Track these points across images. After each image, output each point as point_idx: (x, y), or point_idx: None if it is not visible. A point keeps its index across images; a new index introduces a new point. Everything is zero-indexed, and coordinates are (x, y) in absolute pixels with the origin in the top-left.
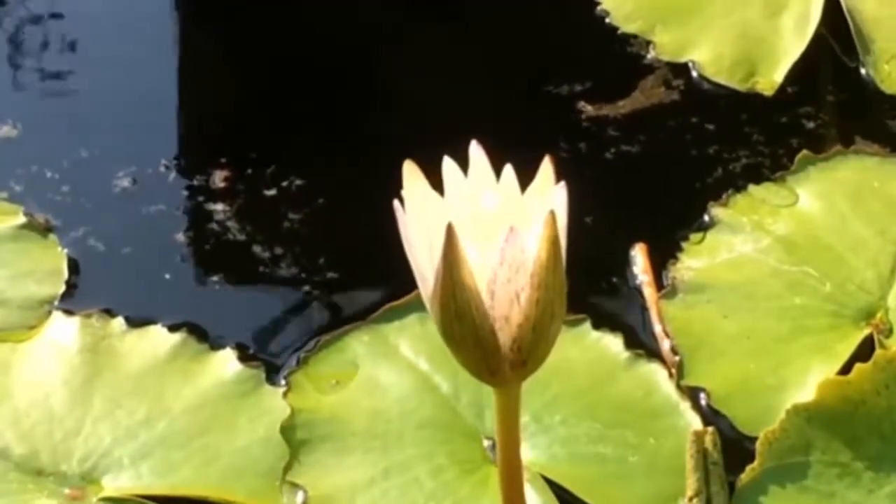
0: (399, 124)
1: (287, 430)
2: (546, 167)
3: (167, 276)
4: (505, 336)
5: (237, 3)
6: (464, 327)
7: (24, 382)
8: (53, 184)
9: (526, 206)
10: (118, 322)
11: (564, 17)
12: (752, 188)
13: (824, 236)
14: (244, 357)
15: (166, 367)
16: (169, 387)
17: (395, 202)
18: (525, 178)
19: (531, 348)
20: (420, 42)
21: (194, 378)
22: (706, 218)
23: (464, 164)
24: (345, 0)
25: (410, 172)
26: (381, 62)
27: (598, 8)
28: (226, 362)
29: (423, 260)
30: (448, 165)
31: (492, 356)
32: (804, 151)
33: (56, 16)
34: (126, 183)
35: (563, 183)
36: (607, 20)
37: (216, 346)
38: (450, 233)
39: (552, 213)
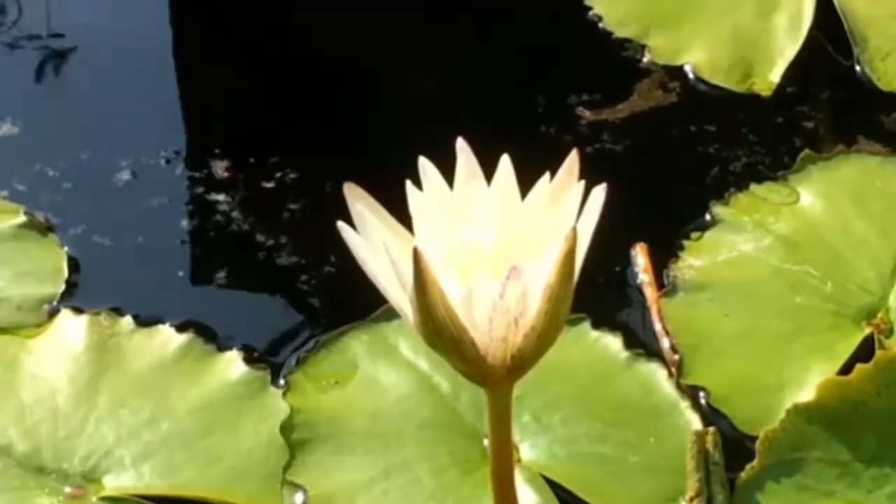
0: (396, 125)
1: (286, 429)
2: (572, 160)
3: (168, 270)
4: (502, 351)
5: None
6: (444, 341)
7: (30, 379)
8: (55, 181)
9: (552, 205)
10: (126, 321)
11: (557, 22)
12: (753, 187)
13: (826, 236)
14: (250, 359)
15: (172, 367)
16: (174, 387)
17: (340, 223)
18: (524, 182)
19: (532, 356)
20: (418, 46)
21: (200, 379)
22: (707, 217)
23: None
24: None
25: (353, 194)
26: (381, 62)
27: (590, 13)
28: (232, 364)
29: (380, 276)
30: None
31: (478, 365)
32: (806, 150)
33: (55, 15)
34: (127, 176)
35: (604, 185)
36: (600, 25)
37: (223, 346)
38: (418, 257)
39: (574, 230)
